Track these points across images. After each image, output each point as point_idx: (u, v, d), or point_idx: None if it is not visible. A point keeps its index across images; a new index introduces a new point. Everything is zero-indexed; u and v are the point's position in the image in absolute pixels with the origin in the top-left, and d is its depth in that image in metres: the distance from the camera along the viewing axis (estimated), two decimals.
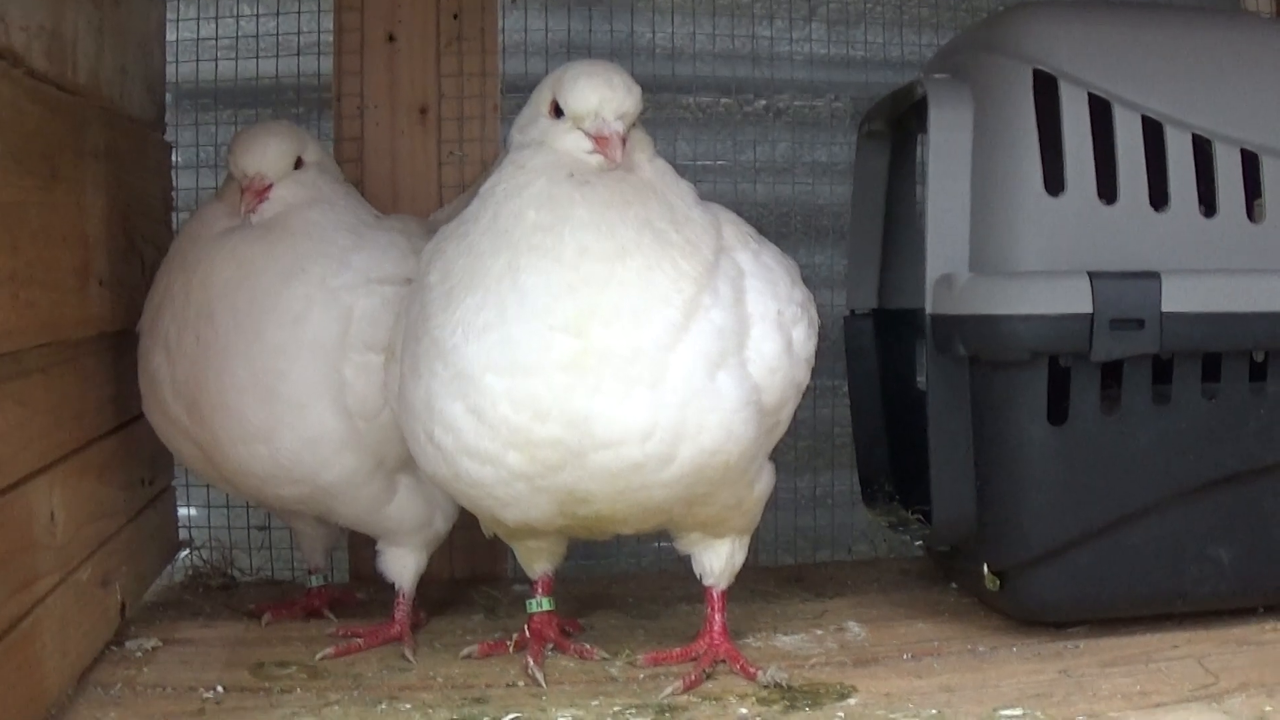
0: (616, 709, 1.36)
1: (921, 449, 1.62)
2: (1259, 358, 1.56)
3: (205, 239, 1.55)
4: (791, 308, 1.42)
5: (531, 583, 1.58)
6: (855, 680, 1.45)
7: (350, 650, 1.57)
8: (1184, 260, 1.53)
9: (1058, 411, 1.52)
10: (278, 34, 2.15)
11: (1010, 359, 1.50)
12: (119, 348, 1.59)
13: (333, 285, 1.51)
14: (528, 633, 1.55)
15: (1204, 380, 1.53)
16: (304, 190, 1.57)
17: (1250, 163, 1.57)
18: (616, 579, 2.02)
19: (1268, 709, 1.31)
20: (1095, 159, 1.54)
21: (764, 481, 1.47)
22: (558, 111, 1.36)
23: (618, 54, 2.20)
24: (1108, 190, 1.55)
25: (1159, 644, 1.55)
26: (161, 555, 1.86)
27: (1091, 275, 1.48)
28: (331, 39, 2.01)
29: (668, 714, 1.35)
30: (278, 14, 2.15)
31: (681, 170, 1.45)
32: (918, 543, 1.94)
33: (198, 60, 2.12)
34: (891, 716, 1.33)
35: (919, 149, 1.93)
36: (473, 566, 1.98)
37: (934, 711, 1.34)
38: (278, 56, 2.14)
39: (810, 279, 1.55)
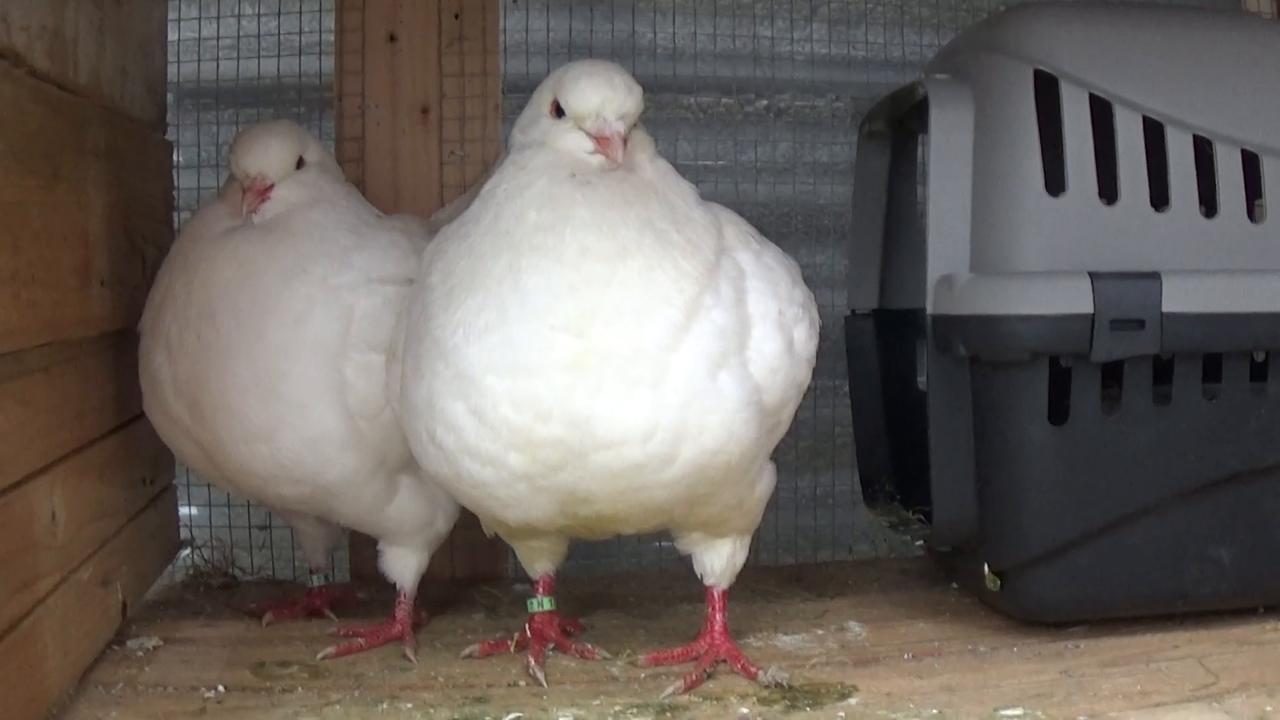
0: (618, 708, 1.37)
1: (922, 449, 1.62)
2: (1259, 358, 1.56)
3: (207, 239, 1.55)
4: (793, 308, 1.42)
5: (533, 582, 1.59)
6: (856, 680, 1.45)
7: (351, 650, 1.57)
8: (1185, 261, 1.53)
9: (1058, 412, 1.52)
10: (279, 34, 2.15)
11: (1011, 359, 1.50)
12: (120, 347, 1.59)
13: (334, 285, 1.51)
14: (529, 632, 1.55)
15: (1204, 380, 1.53)
16: (305, 190, 1.57)
17: (1251, 163, 1.57)
18: (617, 579, 2.02)
19: (1268, 709, 1.32)
20: (1096, 159, 1.54)
21: (765, 481, 1.47)
22: (559, 112, 1.36)
23: (619, 54, 2.20)
24: (1108, 190, 1.55)
25: (1160, 644, 1.55)
26: (163, 554, 1.86)
27: (1092, 275, 1.48)
28: (333, 39, 2.01)
29: (669, 714, 1.35)
30: (279, 14, 2.15)
31: (682, 170, 1.46)
32: (918, 543, 1.94)
33: (199, 60, 2.12)
34: (892, 716, 1.34)
35: (920, 149, 1.93)
36: (474, 566, 1.98)
37: (935, 711, 1.34)
38: (279, 56, 2.14)
39: (811, 279, 1.55)
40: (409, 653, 1.55)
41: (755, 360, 1.35)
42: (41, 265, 1.30)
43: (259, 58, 2.13)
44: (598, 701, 1.39)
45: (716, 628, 1.50)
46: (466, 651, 1.56)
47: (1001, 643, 1.59)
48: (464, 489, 1.37)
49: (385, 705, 1.38)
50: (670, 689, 1.40)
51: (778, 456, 1.50)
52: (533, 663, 1.47)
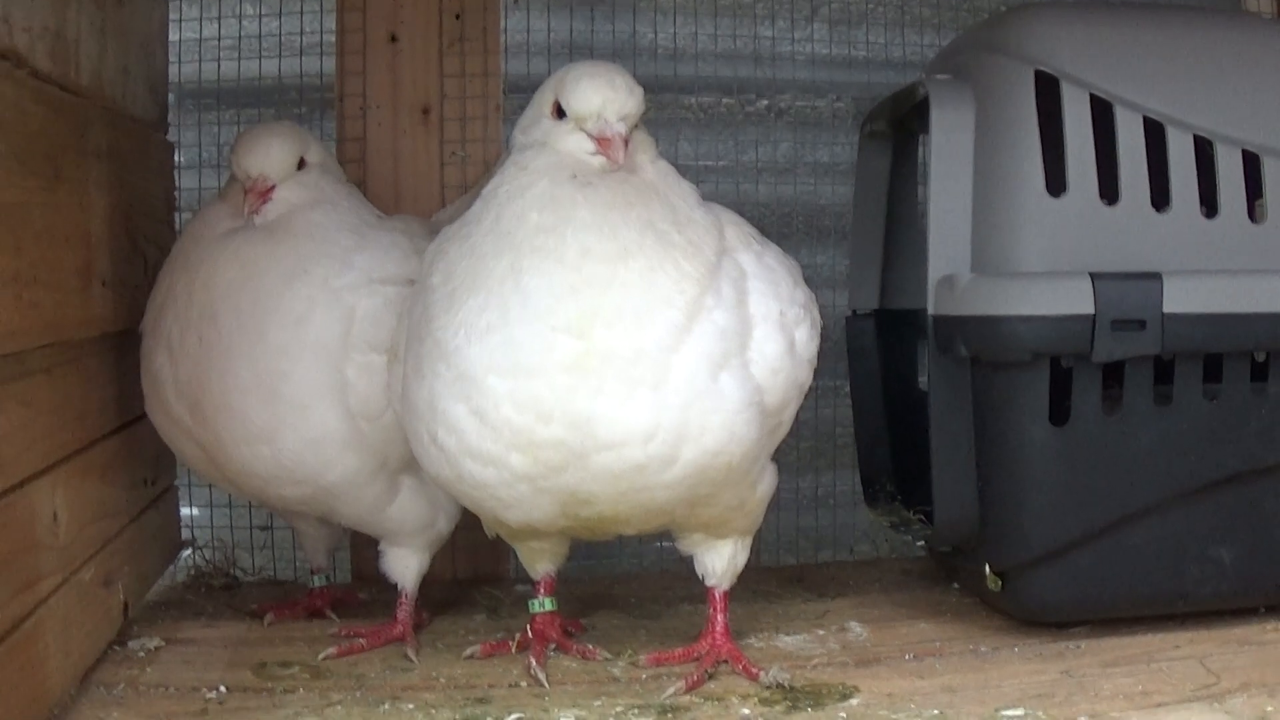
0: (619, 709, 1.37)
1: (923, 449, 1.62)
2: (1260, 358, 1.56)
3: (208, 239, 1.55)
4: (794, 308, 1.42)
5: (534, 583, 1.59)
6: (857, 680, 1.46)
7: (353, 650, 1.57)
8: (1185, 261, 1.53)
9: (1059, 412, 1.52)
10: (280, 34, 2.15)
11: (1012, 360, 1.50)
12: (122, 348, 1.59)
13: (335, 286, 1.52)
14: (530, 633, 1.55)
15: (1205, 381, 1.53)
16: (307, 191, 1.57)
17: (1251, 163, 1.57)
18: (619, 579, 2.02)
19: (1269, 709, 1.32)
20: (1097, 160, 1.54)
21: (766, 482, 1.47)
22: (560, 113, 1.36)
23: (620, 54, 2.20)
24: (1109, 191, 1.55)
25: (1160, 644, 1.55)
26: (164, 555, 1.86)
27: (1093, 276, 1.48)
28: (334, 39, 2.01)
29: (670, 714, 1.35)
30: (280, 14, 2.15)
31: (683, 171, 1.46)
32: (919, 543, 1.94)
33: (200, 60, 2.12)
34: (894, 717, 1.34)
35: (921, 150, 1.93)
36: (475, 567, 1.98)
37: (936, 712, 1.34)
38: (280, 57, 2.15)
39: (812, 279, 1.55)
40: (410, 653, 1.55)
41: (757, 361, 1.35)
42: (43, 266, 1.30)
43: (260, 58, 2.13)
44: (599, 702, 1.39)
45: (718, 628, 1.50)
46: (468, 652, 1.56)
47: (1003, 643, 1.59)
48: (465, 490, 1.37)
49: (387, 706, 1.38)
50: (671, 690, 1.40)
51: (779, 457, 1.50)
52: (534, 663, 1.47)
